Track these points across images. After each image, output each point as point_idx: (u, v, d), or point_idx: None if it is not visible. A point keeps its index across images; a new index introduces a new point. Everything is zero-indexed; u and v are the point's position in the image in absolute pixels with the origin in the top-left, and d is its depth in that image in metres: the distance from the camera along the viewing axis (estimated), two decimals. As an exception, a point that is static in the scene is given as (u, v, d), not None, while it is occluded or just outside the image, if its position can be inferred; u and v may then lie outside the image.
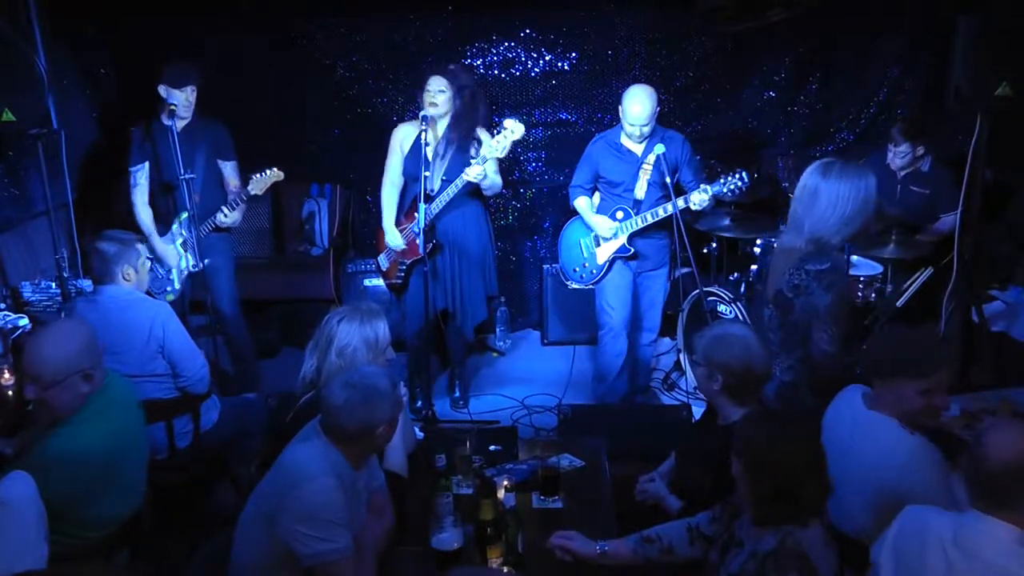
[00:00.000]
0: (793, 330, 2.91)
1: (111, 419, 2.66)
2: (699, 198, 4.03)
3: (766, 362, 2.66)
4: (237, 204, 4.32)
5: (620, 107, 4.13)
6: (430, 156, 4.17)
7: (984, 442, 1.94)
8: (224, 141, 4.42)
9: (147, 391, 3.32)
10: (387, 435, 2.46)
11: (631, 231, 4.23)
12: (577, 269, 4.44)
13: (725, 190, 4.03)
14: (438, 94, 4.13)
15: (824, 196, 2.84)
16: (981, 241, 4.22)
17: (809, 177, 2.90)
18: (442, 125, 4.21)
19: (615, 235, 4.25)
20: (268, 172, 4.27)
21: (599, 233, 4.30)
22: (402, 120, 4.40)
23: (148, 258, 3.58)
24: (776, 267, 3.03)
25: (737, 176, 4.00)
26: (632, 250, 4.28)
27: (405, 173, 4.37)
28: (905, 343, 2.47)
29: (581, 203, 4.36)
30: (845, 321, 2.83)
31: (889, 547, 2.10)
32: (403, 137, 4.35)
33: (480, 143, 4.27)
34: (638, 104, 4.04)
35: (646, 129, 4.10)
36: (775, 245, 3.22)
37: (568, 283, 4.54)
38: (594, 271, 4.37)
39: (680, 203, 4.04)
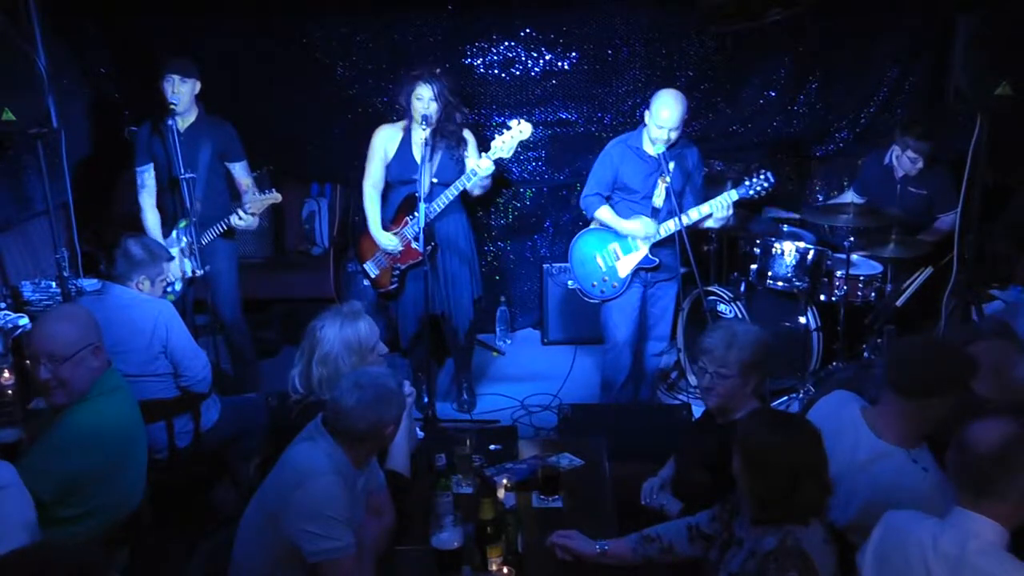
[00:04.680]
0: None
1: (120, 400, 2.74)
2: (721, 203, 3.97)
3: None
4: (247, 212, 4.31)
5: (647, 111, 4.01)
6: (417, 158, 4.15)
7: (974, 433, 1.94)
8: (231, 141, 4.40)
9: (148, 391, 3.33)
10: (393, 435, 2.50)
11: (657, 239, 4.11)
12: (596, 284, 4.25)
13: (751, 192, 3.99)
14: (430, 102, 4.13)
15: None
16: (981, 241, 4.22)
17: None
18: (428, 127, 4.13)
19: (655, 235, 4.08)
20: (267, 193, 4.30)
21: (639, 236, 4.10)
22: (402, 120, 4.38)
23: (169, 279, 3.65)
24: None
25: (763, 176, 3.98)
26: (657, 261, 4.14)
27: (392, 177, 4.34)
28: (941, 360, 2.40)
29: (604, 213, 4.15)
30: None
31: (871, 554, 2.09)
32: (386, 140, 4.33)
33: (466, 142, 4.29)
34: (667, 109, 3.92)
35: (673, 134, 3.96)
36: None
37: (588, 299, 4.33)
38: (616, 284, 4.21)
39: (705, 208, 3.99)
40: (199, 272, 4.19)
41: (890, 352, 2.57)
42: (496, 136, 4.13)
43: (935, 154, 4.57)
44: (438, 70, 4.23)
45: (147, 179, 4.35)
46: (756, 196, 4.03)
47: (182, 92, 4.16)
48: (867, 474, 2.40)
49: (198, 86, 4.26)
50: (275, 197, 4.32)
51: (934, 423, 2.39)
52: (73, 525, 2.55)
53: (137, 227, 4.32)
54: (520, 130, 4.05)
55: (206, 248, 4.25)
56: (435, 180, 4.20)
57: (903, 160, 4.59)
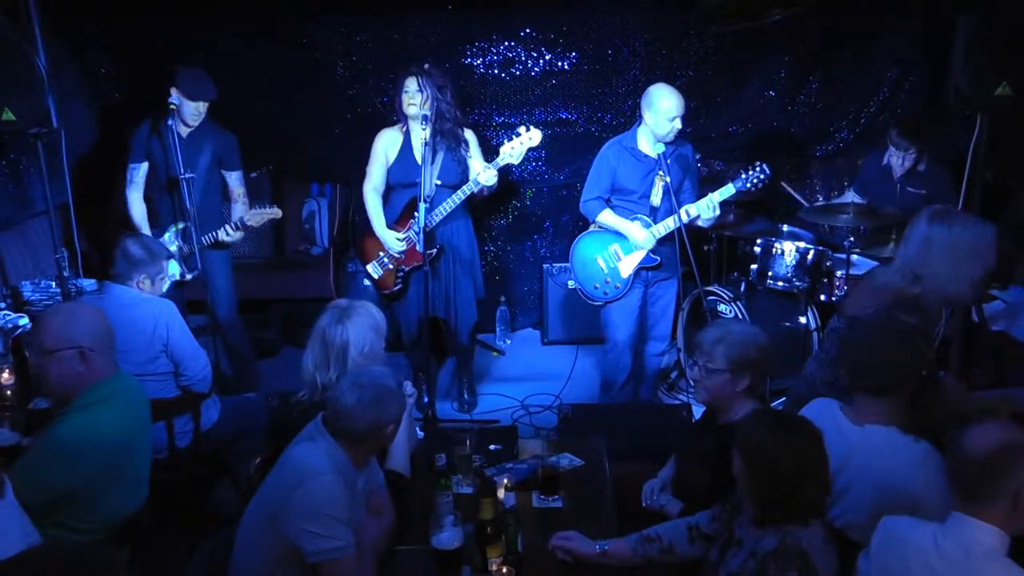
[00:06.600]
0: None
1: (115, 409, 2.66)
2: (707, 204, 3.97)
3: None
4: (238, 228, 4.32)
5: (646, 110, 4.01)
6: (419, 160, 4.14)
7: (965, 438, 1.96)
8: (230, 150, 4.40)
9: (149, 390, 3.29)
10: (393, 434, 2.51)
11: (657, 238, 4.11)
12: (599, 286, 4.24)
13: (748, 185, 3.99)
14: (416, 94, 4.13)
15: (940, 245, 2.84)
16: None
17: (923, 225, 2.88)
18: (428, 127, 4.13)
19: (651, 244, 4.10)
20: (268, 208, 4.33)
21: (635, 242, 4.11)
22: (401, 122, 4.37)
23: (170, 277, 3.66)
24: (861, 295, 3.00)
25: (759, 168, 3.97)
26: (659, 259, 4.14)
27: (393, 179, 4.33)
28: (890, 358, 2.46)
29: (606, 217, 4.16)
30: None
31: (871, 560, 2.10)
32: (387, 143, 4.33)
33: (468, 144, 4.28)
34: (667, 99, 3.93)
35: (679, 123, 3.98)
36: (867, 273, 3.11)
37: (591, 301, 4.32)
38: (619, 285, 4.20)
39: (693, 210, 3.98)
40: (188, 276, 4.19)
41: (847, 354, 2.60)
42: (504, 140, 4.13)
43: (926, 151, 4.58)
44: (426, 65, 4.22)
45: (136, 176, 4.36)
46: (753, 188, 4.03)
47: (200, 111, 4.21)
48: (860, 455, 2.42)
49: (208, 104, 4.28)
50: (275, 213, 4.35)
51: (914, 405, 2.48)
52: (72, 535, 2.53)
53: (129, 222, 4.32)
54: (530, 137, 4.06)
55: (199, 252, 4.24)
56: (439, 182, 4.19)
57: (896, 162, 4.61)
